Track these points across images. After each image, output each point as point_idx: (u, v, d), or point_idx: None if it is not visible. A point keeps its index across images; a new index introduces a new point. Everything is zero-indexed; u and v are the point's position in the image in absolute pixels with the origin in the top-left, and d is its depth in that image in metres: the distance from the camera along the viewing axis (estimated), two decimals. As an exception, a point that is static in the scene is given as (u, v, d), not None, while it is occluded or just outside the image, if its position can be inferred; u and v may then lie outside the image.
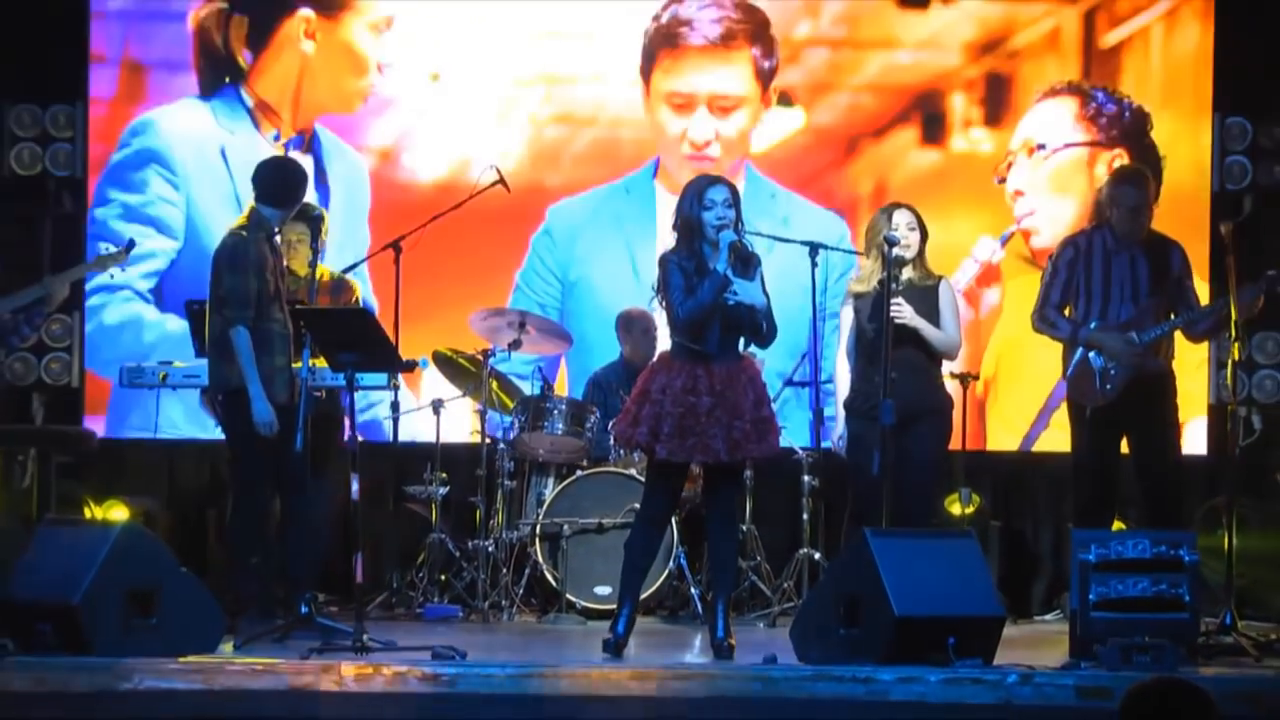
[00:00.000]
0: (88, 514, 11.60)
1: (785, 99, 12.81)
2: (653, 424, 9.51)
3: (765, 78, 12.88)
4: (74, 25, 12.72)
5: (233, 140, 12.94)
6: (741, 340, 9.65)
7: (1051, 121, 12.79)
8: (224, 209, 12.43)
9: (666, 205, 12.39)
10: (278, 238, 10.21)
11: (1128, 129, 12.63)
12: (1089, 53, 12.68)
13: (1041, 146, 12.72)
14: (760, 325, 9.56)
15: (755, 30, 12.87)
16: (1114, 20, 12.70)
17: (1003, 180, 12.69)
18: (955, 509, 11.22)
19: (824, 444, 10.91)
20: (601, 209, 12.92)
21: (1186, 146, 12.47)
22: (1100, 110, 12.65)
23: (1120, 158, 12.53)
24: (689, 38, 12.94)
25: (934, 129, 12.49)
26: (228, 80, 12.99)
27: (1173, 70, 12.68)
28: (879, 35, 12.74)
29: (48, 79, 12.60)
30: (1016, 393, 12.56)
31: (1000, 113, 12.79)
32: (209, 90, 12.99)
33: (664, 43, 12.96)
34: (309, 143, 12.94)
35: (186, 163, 12.89)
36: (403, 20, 12.98)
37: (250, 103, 12.97)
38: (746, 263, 9.52)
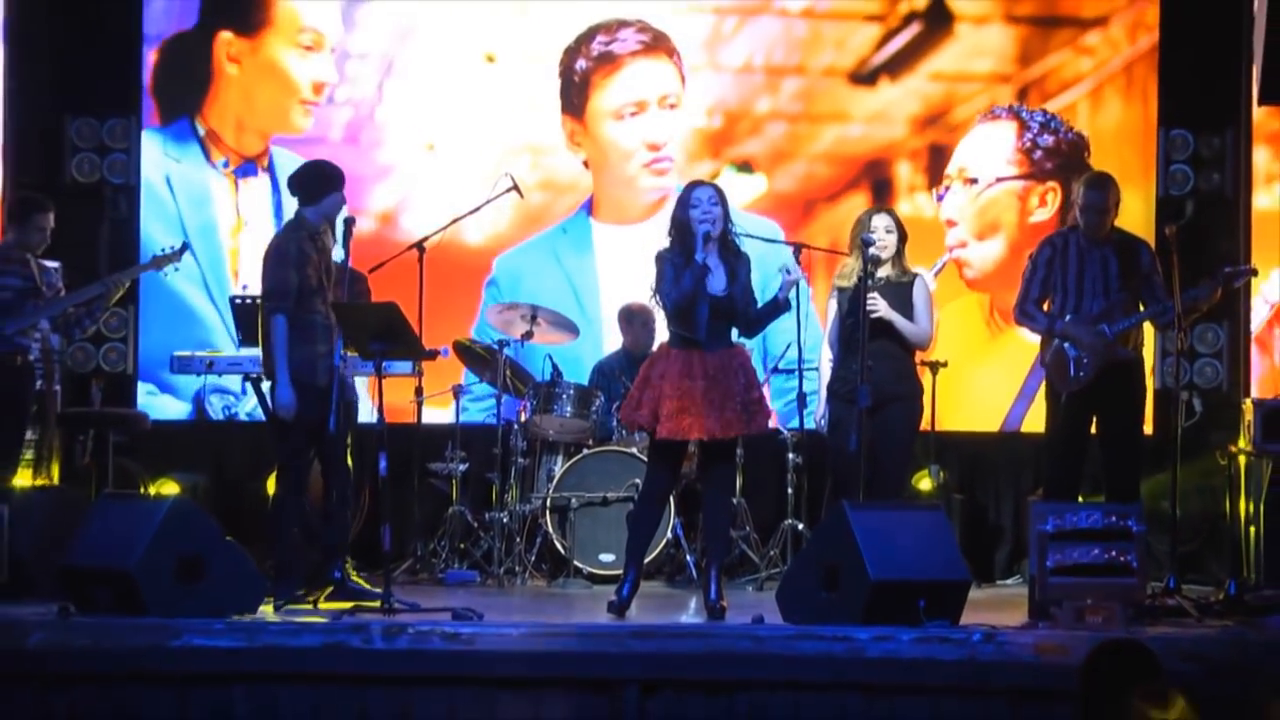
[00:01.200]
0: (142, 489, 11.56)
1: (747, 167, 12.74)
2: (653, 406, 9.55)
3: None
4: (126, 44, 12.67)
5: (178, 169, 12.79)
6: (734, 331, 9.66)
7: (988, 149, 12.73)
8: (169, 234, 12.27)
9: (603, 237, 12.57)
10: (328, 236, 10.12)
11: (1066, 159, 12.56)
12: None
13: (974, 180, 12.67)
14: (748, 315, 9.59)
15: (670, 44, 12.85)
16: (1044, 96, 12.65)
17: (940, 198, 12.65)
18: (925, 484, 11.19)
19: (807, 426, 10.92)
20: (542, 250, 12.80)
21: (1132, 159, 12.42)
22: (1035, 142, 12.60)
23: (1053, 191, 12.50)
24: (619, 49, 12.86)
25: (882, 194, 12.46)
26: (184, 112, 12.86)
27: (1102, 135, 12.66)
28: (832, 110, 12.73)
29: (104, 95, 12.54)
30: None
31: (941, 179, 12.74)
32: (166, 121, 12.84)
33: (596, 65, 12.85)
34: (266, 167, 12.78)
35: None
36: (399, 92, 12.80)
37: (201, 132, 12.81)
38: (736, 255, 9.53)
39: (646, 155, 12.75)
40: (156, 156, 12.79)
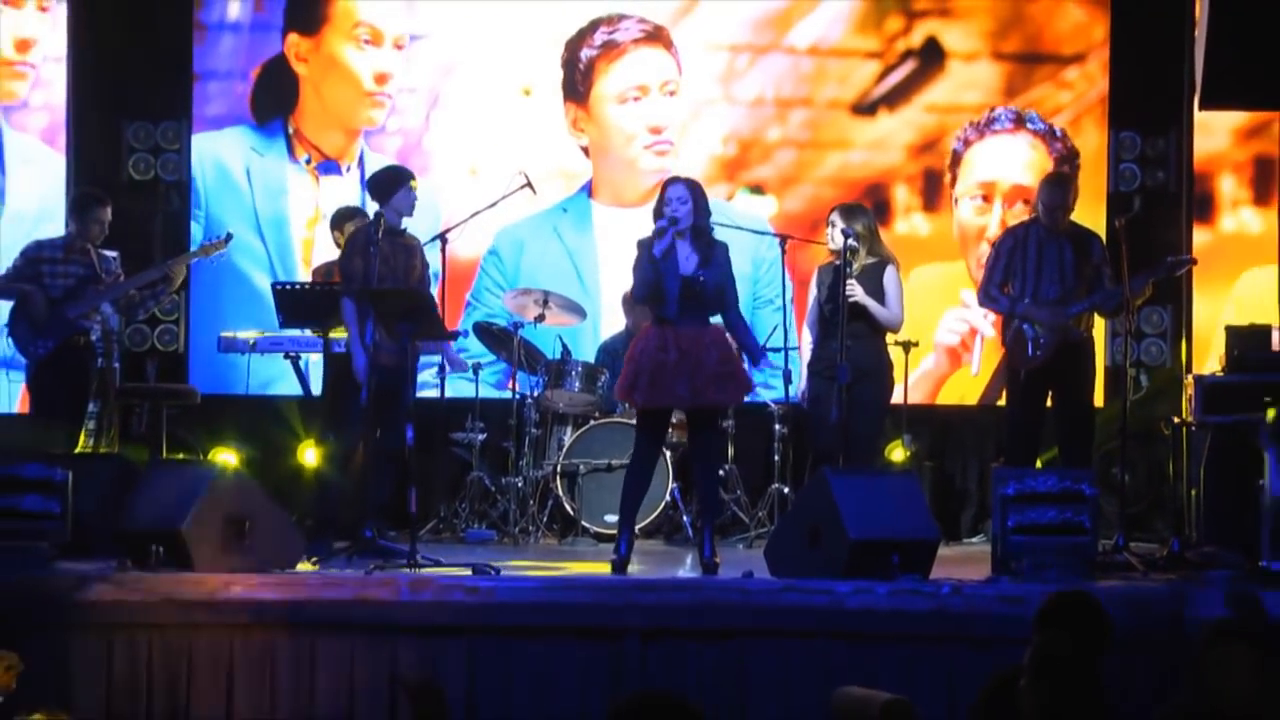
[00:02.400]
0: (201, 457, 11.54)
1: (759, 189, 12.67)
2: (632, 379, 9.57)
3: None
4: (177, 56, 12.63)
5: (259, 162, 12.73)
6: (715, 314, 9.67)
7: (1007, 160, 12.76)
8: (242, 224, 12.33)
9: (603, 217, 12.50)
10: (408, 235, 10.13)
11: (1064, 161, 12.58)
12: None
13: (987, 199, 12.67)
14: (723, 300, 9.58)
15: (668, 36, 12.80)
16: None
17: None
18: (899, 454, 11.16)
19: (791, 399, 10.91)
20: (542, 226, 12.69)
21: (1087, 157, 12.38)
22: (1054, 151, 12.59)
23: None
24: (622, 37, 12.78)
25: (881, 215, 12.30)
26: (279, 114, 12.83)
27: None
28: (836, 138, 12.64)
29: (157, 101, 12.51)
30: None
31: (935, 201, 12.70)
32: (263, 121, 12.80)
33: (601, 53, 12.77)
34: (350, 167, 12.74)
35: (206, 183, 12.69)
36: (444, 122, 12.70)
37: (290, 130, 12.77)
38: (710, 244, 9.54)
39: (649, 138, 12.68)
40: (242, 150, 12.74)
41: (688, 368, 9.46)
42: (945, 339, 12.55)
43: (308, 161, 12.76)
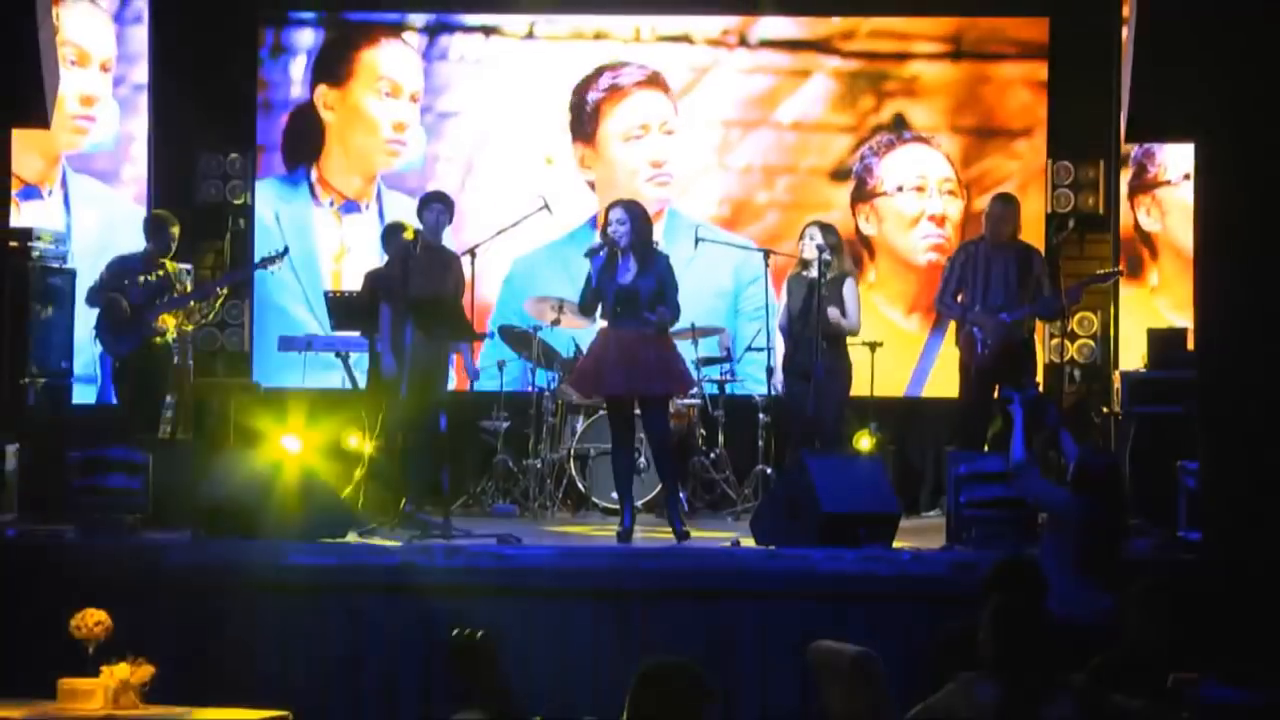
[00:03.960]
0: (257, 442, 11.54)
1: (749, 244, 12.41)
2: (580, 372, 9.92)
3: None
4: (246, 96, 12.65)
5: (287, 209, 12.69)
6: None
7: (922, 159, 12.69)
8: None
9: None
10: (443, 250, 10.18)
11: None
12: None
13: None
14: (655, 301, 9.51)
15: (665, 81, 12.72)
16: (982, 190, 12.29)
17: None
18: (867, 440, 11.15)
19: (773, 393, 10.91)
20: (552, 256, 12.53)
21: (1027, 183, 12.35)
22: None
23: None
24: (624, 81, 12.72)
25: (856, 264, 12.23)
26: (302, 163, 12.79)
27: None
28: (817, 201, 12.49)
29: (226, 136, 12.50)
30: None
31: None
32: (290, 169, 12.77)
33: (606, 96, 12.70)
34: (369, 204, 12.68)
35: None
36: (478, 187, 12.55)
37: (313, 177, 12.71)
38: (649, 255, 9.56)
39: (650, 171, 12.64)
40: (271, 198, 12.70)
41: (625, 364, 9.48)
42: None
43: (331, 204, 12.73)
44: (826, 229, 10.30)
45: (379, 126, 12.72)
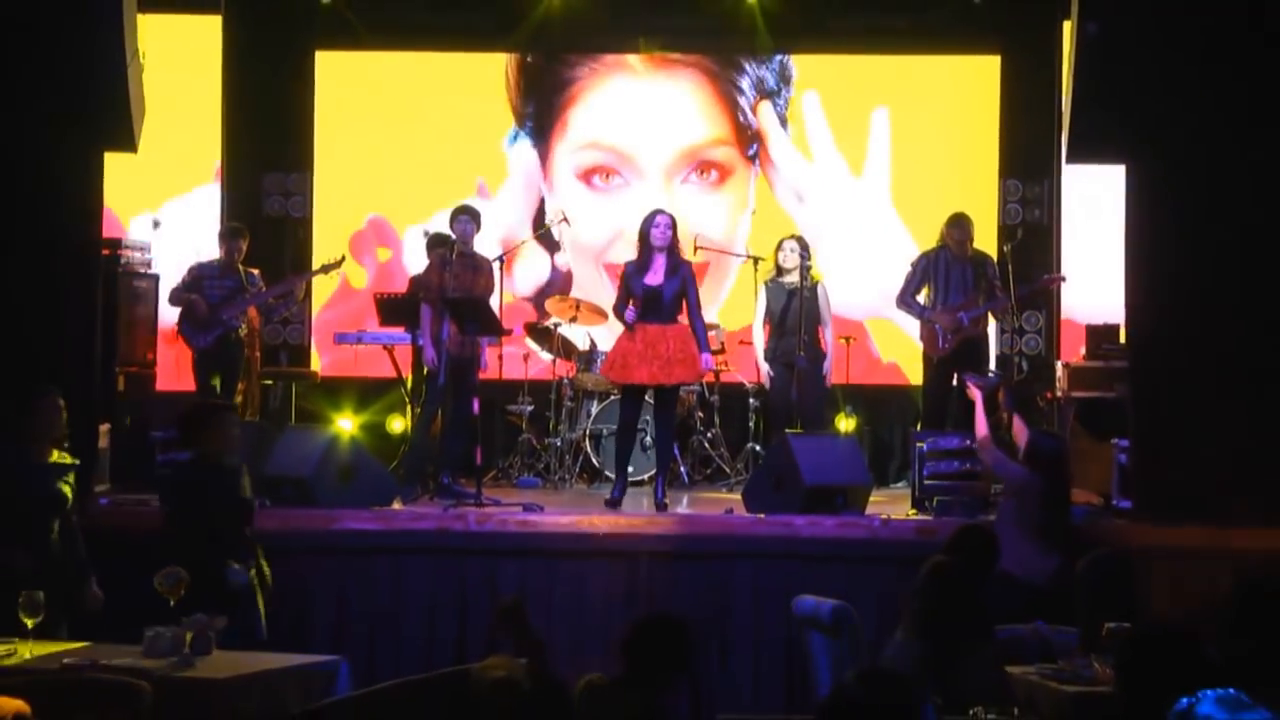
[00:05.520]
0: (315, 423, 11.53)
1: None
2: (610, 361, 9.76)
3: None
4: (305, 121, 12.58)
5: None
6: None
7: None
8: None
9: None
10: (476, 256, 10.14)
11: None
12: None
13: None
14: (678, 303, 9.55)
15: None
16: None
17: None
18: (845, 421, 11.14)
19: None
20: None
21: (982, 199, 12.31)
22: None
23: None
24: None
25: None
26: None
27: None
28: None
29: (288, 156, 12.49)
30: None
31: None
32: None
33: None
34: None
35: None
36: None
37: None
38: (678, 261, 9.59)
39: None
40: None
41: (650, 356, 9.47)
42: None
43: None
44: (803, 242, 10.40)
45: None
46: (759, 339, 10.46)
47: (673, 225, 9.62)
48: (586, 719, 5.00)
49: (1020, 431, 8.22)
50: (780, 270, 10.37)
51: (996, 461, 8.16)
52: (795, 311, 10.18)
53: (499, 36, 12.39)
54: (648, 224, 9.58)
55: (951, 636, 5.75)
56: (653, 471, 10.75)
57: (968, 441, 9.16)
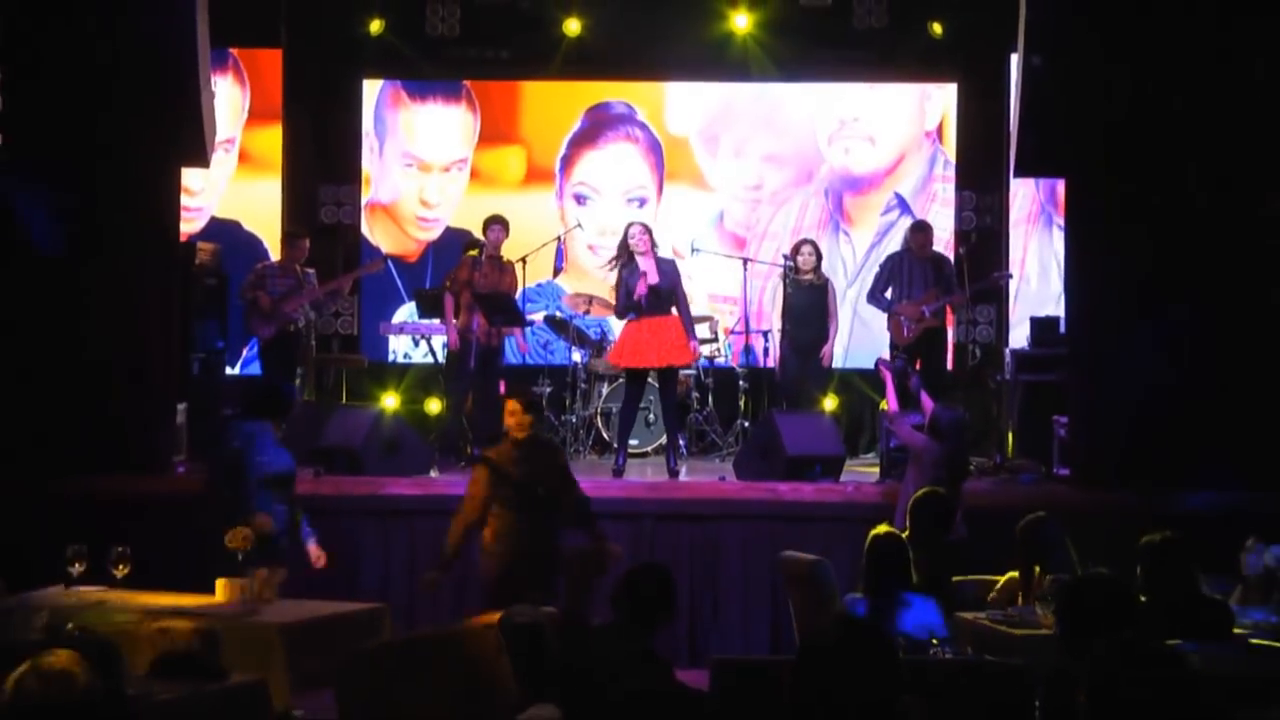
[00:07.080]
0: (363, 402, 11.54)
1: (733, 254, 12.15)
2: (619, 348, 9.71)
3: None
4: (354, 139, 12.55)
5: None
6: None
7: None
8: None
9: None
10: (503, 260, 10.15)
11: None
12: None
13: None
14: (671, 296, 9.50)
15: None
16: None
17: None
18: (830, 401, 11.15)
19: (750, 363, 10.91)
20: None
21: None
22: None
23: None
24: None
25: None
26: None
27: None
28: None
29: (339, 169, 12.48)
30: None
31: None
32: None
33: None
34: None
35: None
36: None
37: None
38: (664, 262, 9.56)
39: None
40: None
41: (654, 343, 9.45)
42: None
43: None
44: (816, 248, 10.53)
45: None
46: (776, 327, 10.60)
47: (648, 231, 9.56)
48: (567, 657, 5.02)
49: (927, 405, 8.13)
50: (799, 270, 10.39)
51: (903, 431, 8.08)
52: (812, 306, 10.32)
53: (528, 66, 12.30)
54: (625, 234, 9.58)
55: (887, 593, 5.81)
56: (654, 444, 10.80)
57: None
